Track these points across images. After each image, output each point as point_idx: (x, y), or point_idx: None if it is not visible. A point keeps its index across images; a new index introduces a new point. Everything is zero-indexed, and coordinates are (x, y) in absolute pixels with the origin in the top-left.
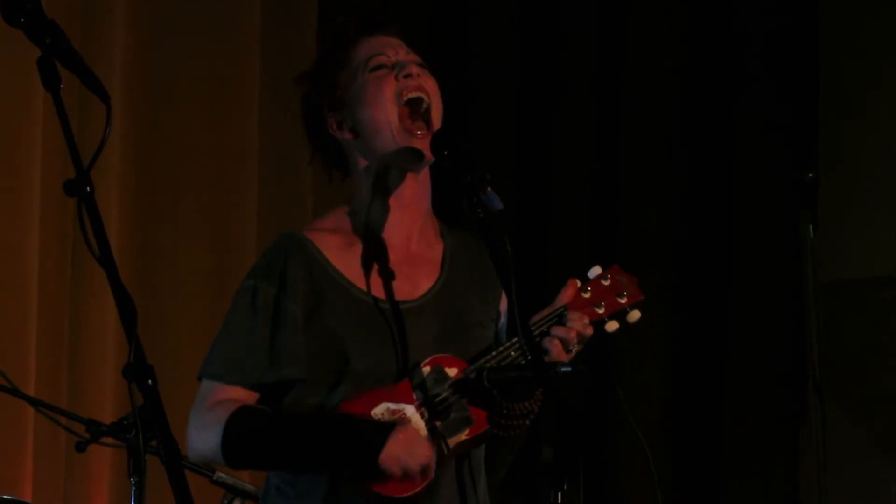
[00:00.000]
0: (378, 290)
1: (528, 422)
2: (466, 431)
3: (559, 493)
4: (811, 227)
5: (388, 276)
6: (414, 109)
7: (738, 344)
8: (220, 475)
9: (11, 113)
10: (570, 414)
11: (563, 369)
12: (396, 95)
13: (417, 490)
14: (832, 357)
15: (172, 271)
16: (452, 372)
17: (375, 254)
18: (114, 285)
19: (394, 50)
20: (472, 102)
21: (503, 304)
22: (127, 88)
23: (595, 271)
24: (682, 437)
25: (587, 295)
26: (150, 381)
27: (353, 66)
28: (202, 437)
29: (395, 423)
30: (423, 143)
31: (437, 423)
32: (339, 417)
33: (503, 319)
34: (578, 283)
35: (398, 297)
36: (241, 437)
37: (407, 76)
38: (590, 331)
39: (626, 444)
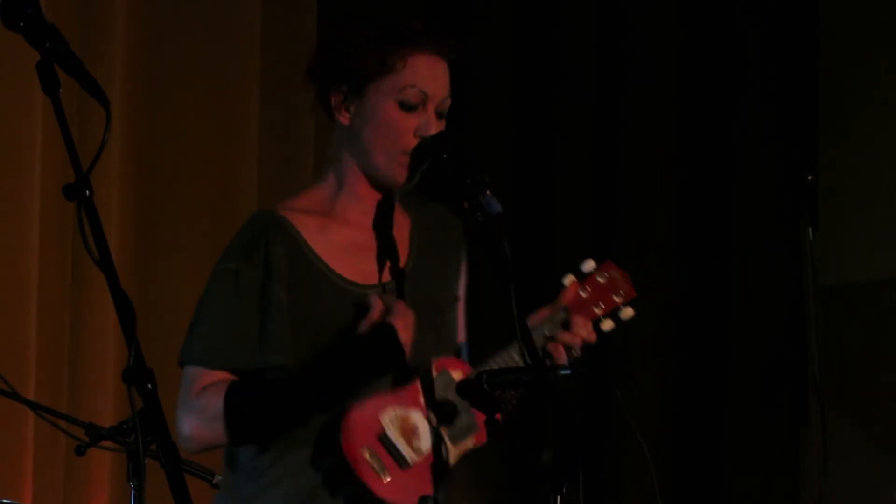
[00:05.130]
0: (355, 275)
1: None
2: (473, 439)
3: (559, 496)
4: (811, 229)
5: (363, 260)
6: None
7: (738, 346)
8: (220, 479)
9: (11, 117)
10: (569, 416)
11: (563, 372)
12: (404, 146)
13: (418, 500)
14: (832, 359)
15: (172, 275)
16: (458, 375)
17: (352, 237)
18: (113, 289)
19: (433, 91)
20: (471, 100)
21: (463, 283)
22: (126, 92)
23: (589, 266)
24: (682, 439)
25: (586, 294)
26: (149, 385)
27: (393, 80)
28: (198, 423)
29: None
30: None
31: (444, 430)
32: (329, 350)
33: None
34: (576, 280)
35: (373, 280)
36: (247, 404)
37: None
38: (594, 337)
39: (625, 446)
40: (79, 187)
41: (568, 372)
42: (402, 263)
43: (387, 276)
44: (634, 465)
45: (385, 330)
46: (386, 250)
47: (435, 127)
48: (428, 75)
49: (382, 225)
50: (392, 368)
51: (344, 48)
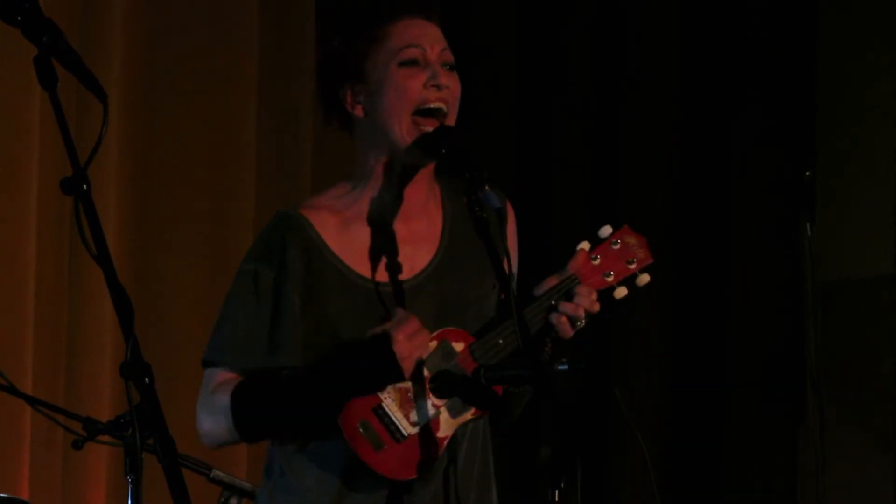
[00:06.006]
0: (375, 273)
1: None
2: (472, 411)
3: (557, 492)
4: (809, 225)
5: (385, 257)
6: (431, 113)
7: (737, 343)
8: (218, 473)
9: (9, 111)
10: (567, 413)
11: (561, 367)
12: (418, 102)
13: (417, 472)
14: (831, 356)
15: (170, 269)
16: (459, 347)
17: (374, 234)
18: (111, 283)
19: (430, 44)
20: (471, 97)
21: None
22: (124, 86)
23: (605, 231)
24: (680, 436)
25: (597, 262)
26: (146, 379)
27: (387, 48)
28: (213, 420)
29: (384, 333)
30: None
31: (444, 401)
32: (334, 355)
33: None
34: (588, 248)
35: (396, 277)
36: (250, 404)
37: (435, 86)
38: (597, 307)
39: (624, 443)
40: (76, 181)
41: (566, 367)
42: (428, 258)
43: (409, 273)
44: (633, 461)
45: (380, 340)
46: (410, 246)
47: (445, 76)
48: (418, 33)
49: (407, 220)
50: (385, 378)
51: (331, 48)
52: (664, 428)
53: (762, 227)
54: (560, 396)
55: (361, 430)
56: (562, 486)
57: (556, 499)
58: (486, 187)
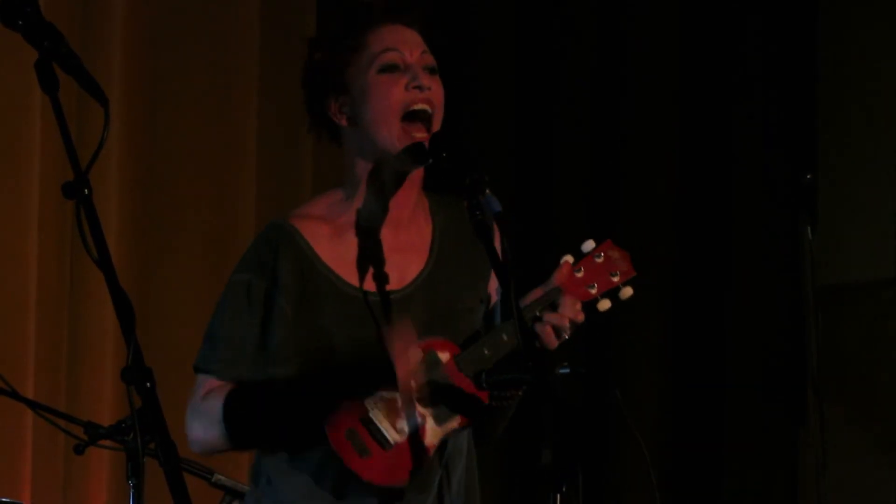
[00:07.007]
0: (366, 283)
1: (521, 392)
2: (458, 419)
3: (558, 496)
4: (810, 229)
5: (376, 267)
6: (416, 116)
7: (737, 346)
8: (219, 477)
9: (10, 115)
10: (568, 416)
11: (562, 371)
12: (402, 106)
13: (405, 480)
14: (831, 359)
15: (171, 273)
16: (445, 357)
17: (364, 244)
18: (112, 288)
19: (409, 49)
20: (471, 97)
21: (494, 283)
22: (125, 91)
23: (588, 246)
24: (681, 438)
25: (580, 274)
26: (148, 384)
27: (366, 56)
28: (203, 427)
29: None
30: (420, 140)
31: (430, 410)
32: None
33: (496, 298)
34: (572, 261)
35: (386, 287)
36: (242, 410)
37: (417, 87)
38: (581, 317)
39: (624, 446)
40: (77, 186)
41: (567, 371)
42: (418, 269)
43: (400, 283)
44: (634, 464)
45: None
46: (400, 255)
47: (426, 78)
48: (396, 38)
49: (396, 229)
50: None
51: (313, 61)
52: (665, 429)
53: (762, 230)
54: (561, 400)
55: (348, 439)
56: (563, 490)
57: (558, 503)
58: (487, 191)
